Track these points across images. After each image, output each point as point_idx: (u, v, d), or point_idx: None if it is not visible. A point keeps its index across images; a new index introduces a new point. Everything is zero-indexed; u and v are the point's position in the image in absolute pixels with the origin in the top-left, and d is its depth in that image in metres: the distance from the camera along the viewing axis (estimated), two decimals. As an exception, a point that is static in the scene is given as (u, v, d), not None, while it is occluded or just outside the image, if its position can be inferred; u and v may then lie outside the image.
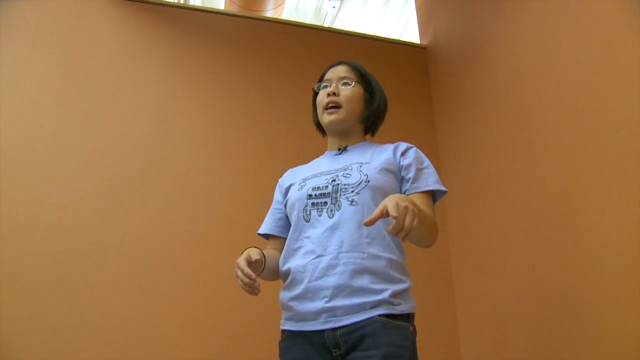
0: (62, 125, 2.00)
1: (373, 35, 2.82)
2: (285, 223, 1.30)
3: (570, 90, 1.58)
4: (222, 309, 1.93)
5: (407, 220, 0.93)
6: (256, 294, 1.07)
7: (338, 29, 2.62)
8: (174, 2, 2.53)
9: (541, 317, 1.66)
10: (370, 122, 1.36)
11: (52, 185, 1.90)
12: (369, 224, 0.96)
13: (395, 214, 0.91)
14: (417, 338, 1.13)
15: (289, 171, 1.40)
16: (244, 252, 1.11)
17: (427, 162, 1.27)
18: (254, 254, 1.11)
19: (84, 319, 1.77)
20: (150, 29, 2.29)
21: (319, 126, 1.39)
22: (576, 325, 1.49)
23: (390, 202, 0.94)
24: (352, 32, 2.82)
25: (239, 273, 1.06)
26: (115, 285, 1.85)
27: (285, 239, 1.24)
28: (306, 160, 1.42)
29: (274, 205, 1.36)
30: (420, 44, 2.79)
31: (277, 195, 1.36)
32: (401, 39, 3.01)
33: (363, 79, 1.33)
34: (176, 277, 1.93)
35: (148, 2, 2.31)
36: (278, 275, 1.24)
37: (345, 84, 1.31)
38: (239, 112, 2.27)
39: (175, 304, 1.90)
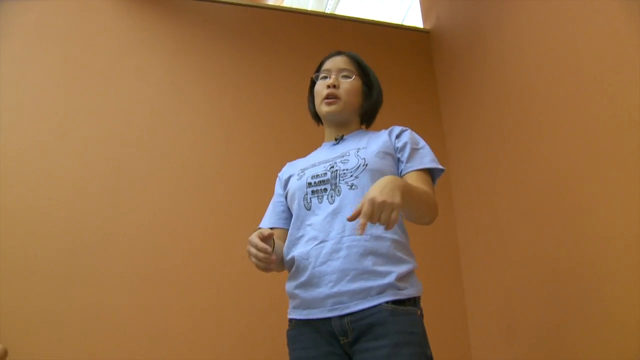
0: (66, 119, 2.00)
1: (375, 21, 2.78)
2: (288, 215, 1.30)
3: (578, 76, 1.56)
4: (231, 300, 1.94)
5: (383, 217, 0.93)
6: (271, 269, 1.07)
7: (340, 15, 2.59)
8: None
9: (550, 302, 1.66)
10: (367, 115, 1.37)
11: (57, 179, 1.91)
12: (351, 219, 0.96)
13: (363, 220, 0.91)
14: (426, 323, 1.13)
15: (287, 164, 1.41)
16: (254, 232, 1.10)
17: (422, 142, 1.27)
18: (265, 230, 1.10)
19: (92, 313, 1.79)
20: (152, 21, 2.28)
21: (314, 115, 1.40)
22: (585, 310, 1.49)
23: (367, 200, 0.94)
24: (354, 18, 2.78)
25: (252, 249, 1.05)
26: (124, 278, 1.86)
27: (284, 230, 1.26)
28: (311, 148, 1.42)
29: (275, 199, 1.36)
30: (423, 29, 2.75)
31: (278, 189, 1.37)
32: (404, 23, 2.97)
33: (362, 71, 1.34)
34: (184, 268, 1.94)
35: (148, -6, 2.29)
36: (283, 265, 1.24)
37: (345, 76, 1.31)
38: (242, 102, 2.26)
39: (183, 296, 1.91)
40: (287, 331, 1.19)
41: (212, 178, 2.11)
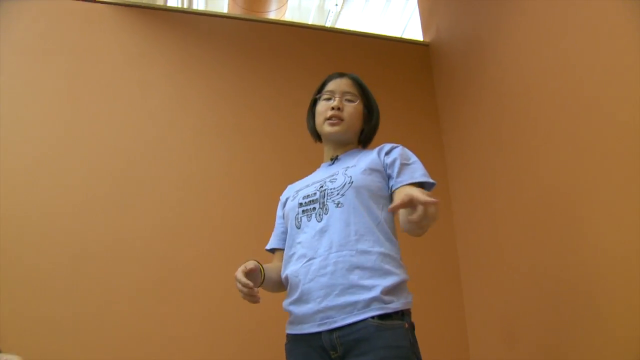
0: (70, 131, 2.04)
1: (375, 34, 2.84)
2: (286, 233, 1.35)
3: (575, 86, 1.59)
4: (235, 309, 1.96)
5: (432, 210, 0.96)
6: (257, 302, 1.11)
7: (340, 29, 2.65)
8: (177, 7, 2.57)
9: (549, 311, 1.68)
10: (366, 138, 1.42)
11: (64, 189, 1.95)
12: (394, 209, 0.99)
13: (426, 200, 0.94)
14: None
15: (288, 187, 1.46)
16: (241, 266, 1.15)
17: (414, 158, 1.29)
18: (249, 264, 1.15)
19: (97, 319, 1.82)
20: (154, 34, 2.33)
21: (313, 132, 1.44)
22: (583, 317, 1.51)
23: (417, 192, 0.97)
24: (354, 31, 2.84)
25: (238, 285, 1.10)
26: (128, 285, 1.90)
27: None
28: (311, 160, 1.46)
29: (277, 221, 1.41)
30: (423, 41, 2.80)
31: (279, 211, 1.42)
32: (403, 36, 3.02)
33: (364, 94, 1.39)
34: (187, 277, 1.97)
35: (152, 8, 2.35)
36: (281, 286, 1.29)
37: (349, 100, 1.36)
38: (245, 114, 2.30)
39: (187, 304, 1.94)
40: (285, 344, 1.24)
41: (216, 187, 2.15)
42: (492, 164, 2.09)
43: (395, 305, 1.11)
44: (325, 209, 1.20)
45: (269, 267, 1.26)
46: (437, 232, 2.18)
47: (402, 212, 1.09)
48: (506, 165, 1.97)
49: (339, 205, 1.19)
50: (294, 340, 1.20)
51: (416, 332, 1.16)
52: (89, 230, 1.92)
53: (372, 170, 1.25)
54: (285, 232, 1.34)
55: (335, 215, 1.18)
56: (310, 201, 1.24)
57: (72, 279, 1.84)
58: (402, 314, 1.12)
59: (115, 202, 2.00)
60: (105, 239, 1.93)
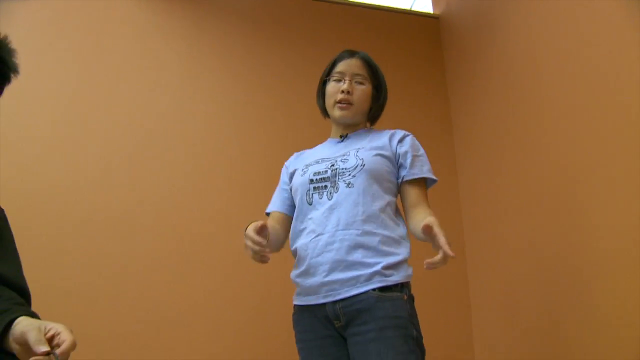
0: (83, 105, 2.05)
1: (384, 6, 2.78)
2: (291, 202, 1.38)
3: (587, 62, 1.57)
4: (245, 278, 2.01)
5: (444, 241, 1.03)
6: (266, 261, 1.12)
7: (348, 1, 2.59)
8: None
9: (548, 287, 1.71)
10: (373, 115, 1.44)
11: (78, 163, 1.99)
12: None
13: (452, 254, 1.00)
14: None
15: (294, 155, 1.48)
16: (250, 224, 1.16)
17: (421, 150, 1.36)
18: (260, 222, 1.16)
19: (111, 289, 1.88)
20: (167, 9, 2.30)
21: (323, 110, 1.46)
22: (579, 296, 1.54)
23: (444, 240, 1.02)
24: (362, 3, 2.78)
25: (249, 242, 1.11)
26: (142, 256, 1.95)
27: (291, 216, 1.35)
28: (322, 135, 1.46)
29: (281, 186, 1.44)
30: (433, 14, 2.75)
31: (284, 177, 1.44)
32: (413, 8, 2.96)
33: (373, 74, 1.39)
34: (199, 248, 2.02)
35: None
36: (280, 246, 1.34)
37: (359, 82, 1.37)
38: (255, 88, 2.30)
39: (198, 274, 1.99)
40: (292, 315, 1.31)
41: (227, 160, 2.17)
42: (499, 141, 2.08)
43: (395, 278, 1.18)
44: (336, 187, 1.25)
45: (273, 226, 1.31)
46: (443, 208, 2.19)
47: (416, 223, 1.21)
48: (513, 143, 1.97)
49: (350, 185, 1.24)
50: (301, 311, 1.26)
51: (420, 305, 1.22)
52: (104, 202, 1.97)
53: (382, 155, 1.30)
54: (289, 199, 1.38)
55: (344, 195, 1.23)
56: (321, 179, 1.28)
57: (86, 249, 1.89)
58: (402, 286, 1.19)
59: (130, 174, 2.04)
60: (120, 210, 1.97)
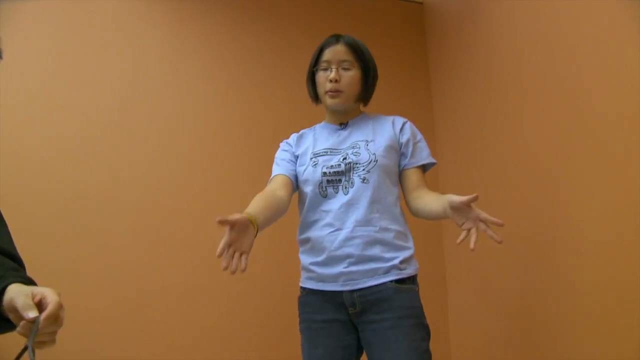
0: (64, 86, 2.02)
1: (369, -10, 2.77)
2: (295, 174, 1.41)
3: (566, 50, 1.62)
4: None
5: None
6: (236, 272, 1.10)
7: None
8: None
9: (521, 269, 1.79)
10: (364, 97, 1.46)
11: (59, 138, 1.97)
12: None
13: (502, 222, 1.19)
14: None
15: (295, 136, 1.50)
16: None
17: (419, 135, 1.44)
18: (234, 217, 1.10)
19: (92, 264, 1.90)
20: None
21: (314, 97, 1.48)
22: (551, 277, 1.62)
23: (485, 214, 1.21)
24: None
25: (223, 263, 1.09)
26: (123, 233, 1.97)
27: (292, 182, 1.38)
28: (303, 120, 1.48)
29: (285, 158, 1.43)
30: (416, 0, 2.76)
31: (287, 154, 1.44)
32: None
33: (360, 57, 1.41)
34: (182, 226, 2.05)
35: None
36: (278, 215, 1.30)
37: (346, 68, 1.38)
38: (237, 71, 2.29)
39: (181, 252, 2.03)
40: (299, 297, 1.37)
41: (206, 142, 2.18)
42: (478, 126, 2.14)
43: (409, 271, 1.29)
44: (351, 182, 1.31)
45: (260, 207, 1.22)
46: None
47: (426, 202, 1.31)
48: (493, 130, 2.03)
49: (365, 180, 1.31)
50: (312, 293, 1.32)
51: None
52: (85, 177, 1.96)
53: (391, 147, 1.36)
54: (293, 169, 1.40)
55: (360, 190, 1.30)
56: (335, 172, 1.33)
57: (67, 224, 1.90)
58: (413, 279, 1.30)
59: (110, 150, 2.03)
60: (101, 185, 1.98)
